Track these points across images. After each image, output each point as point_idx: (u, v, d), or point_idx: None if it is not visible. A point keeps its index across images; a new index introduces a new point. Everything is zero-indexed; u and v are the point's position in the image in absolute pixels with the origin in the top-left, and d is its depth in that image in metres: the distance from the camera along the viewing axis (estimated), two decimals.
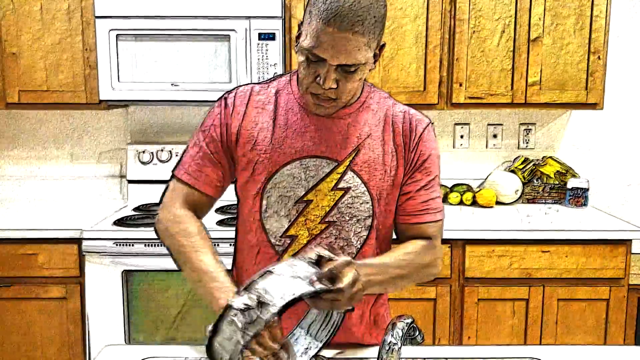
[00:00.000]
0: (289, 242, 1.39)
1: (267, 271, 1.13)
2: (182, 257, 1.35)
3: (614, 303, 2.58)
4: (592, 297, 2.58)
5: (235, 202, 1.48)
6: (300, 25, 1.29)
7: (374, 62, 1.32)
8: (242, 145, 1.39)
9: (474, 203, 2.99)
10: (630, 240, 2.55)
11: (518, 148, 3.16)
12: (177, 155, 2.93)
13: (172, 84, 2.67)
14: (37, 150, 3.15)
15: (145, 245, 2.46)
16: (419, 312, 2.55)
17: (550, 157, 3.09)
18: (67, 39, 2.72)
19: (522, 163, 3.10)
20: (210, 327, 1.10)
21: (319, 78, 1.26)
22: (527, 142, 3.14)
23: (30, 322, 2.57)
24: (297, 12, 2.68)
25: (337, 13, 1.19)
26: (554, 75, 2.76)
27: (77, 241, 2.51)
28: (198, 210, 1.42)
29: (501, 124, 3.14)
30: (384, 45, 1.32)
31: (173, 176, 1.43)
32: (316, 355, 1.30)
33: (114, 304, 2.52)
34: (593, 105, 2.79)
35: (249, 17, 2.62)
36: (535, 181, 3.06)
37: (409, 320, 1.20)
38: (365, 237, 1.41)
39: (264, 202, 1.39)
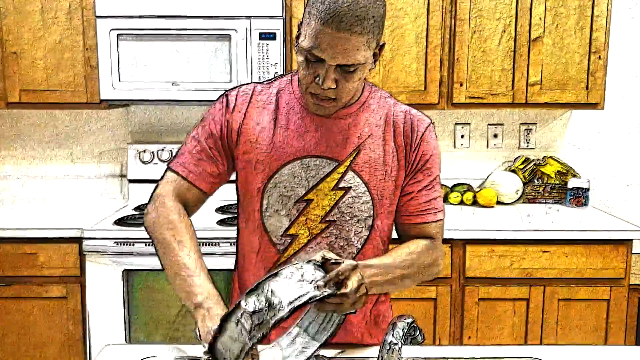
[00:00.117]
0: (289, 241, 1.39)
1: (275, 273, 1.13)
2: (164, 249, 1.33)
3: (615, 303, 2.58)
4: (592, 297, 2.58)
5: (236, 202, 1.48)
6: (299, 25, 1.29)
7: (374, 62, 1.32)
8: (242, 143, 1.39)
9: (475, 203, 2.99)
10: (630, 240, 2.55)
11: (519, 148, 3.16)
12: None
13: (172, 84, 2.67)
14: (37, 149, 3.15)
15: (145, 244, 2.46)
16: (420, 312, 2.55)
17: (551, 157, 3.09)
18: (68, 39, 2.72)
19: (522, 163, 3.09)
20: (215, 327, 1.10)
21: (318, 78, 1.26)
22: (527, 142, 3.14)
23: (31, 322, 2.58)
24: (298, 12, 2.68)
25: (336, 13, 1.19)
26: (555, 75, 2.76)
27: (78, 240, 2.52)
28: (189, 205, 1.41)
29: (502, 124, 3.14)
30: (383, 44, 1.32)
31: (168, 168, 1.43)
32: (316, 355, 1.30)
33: (115, 304, 2.52)
34: (594, 105, 2.79)
35: (249, 17, 2.62)
36: (535, 181, 3.06)
37: (410, 320, 1.20)
38: (365, 236, 1.41)
39: (265, 201, 1.39)
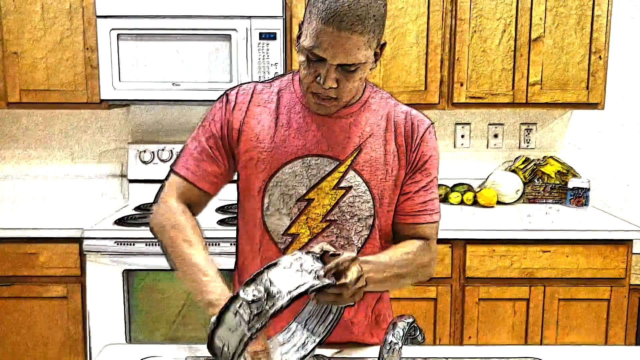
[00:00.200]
0: (290, 240, 1.39)
1: (273, 263, 1.12)
2: (173, 250, 1.34)
3: (615, 303, 2.58)
4: (593, 297, 2.58)
5: (236, 202, 1.48)
6: (300, 25, 1.30)
7: (375, 62, 1.32)
8: (244, 142, 1.39)
9: (475, 203, 2.99)
10: (631, 240, 2.55)
11: (519, 148, 3.16)
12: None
13: (173, 84, 2.67)
14: (38, 149, 3.15)
15: (146, 244, 2.46)
16: (420, 312, 2.55)
17: (551, 157, 3.09)
18: (68, 39, 2.72)
19: (523, 163, 3.09)
20: (213, 319, 1.08)
21: (319, 77, 1.27)
22: (528, 142, 3.14)
23: (31, 321, 2.58)
24: (298, 12, 2.68)
25: (336, 13, 1.20)
26: (555, 75, 2.76)
27: (78, 240, 2.52)
28: (194, 206, 1.42)
29: (502, 124, 3.14)
30: (384, 44, 1.32)
31: (171, 170, 1.43)
32: (316, 355, 1.29)
33: (115, 303, 2.52)
34: (594, 105, 2.79)
35: (249, 17, 2.62)
36: (536, 181, 3.06)
37: (410, 320, 1.20)
38: (366, 236, 1.41)
39: (266, 200, 1.39)
